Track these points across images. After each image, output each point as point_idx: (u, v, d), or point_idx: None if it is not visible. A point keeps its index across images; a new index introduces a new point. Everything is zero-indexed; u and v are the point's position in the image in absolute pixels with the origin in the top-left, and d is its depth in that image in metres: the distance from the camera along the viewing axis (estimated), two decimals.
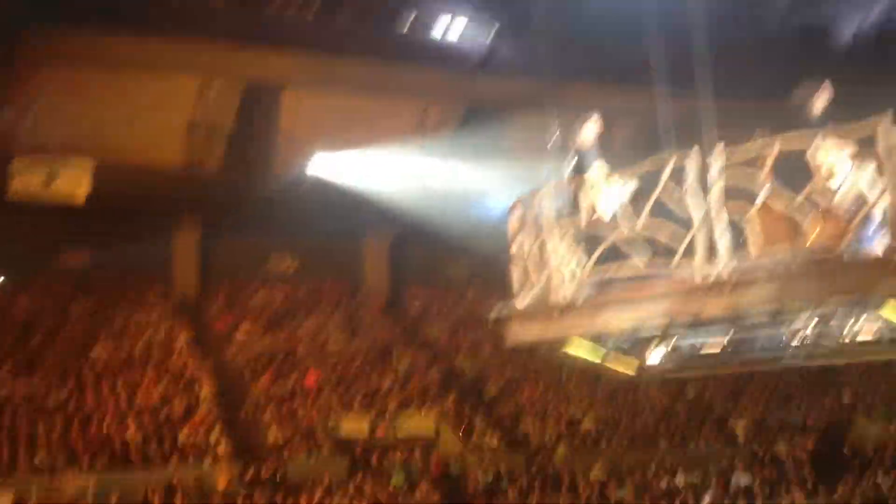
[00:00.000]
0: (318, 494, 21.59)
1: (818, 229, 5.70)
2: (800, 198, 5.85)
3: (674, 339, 7.14)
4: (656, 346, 7.30)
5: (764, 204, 5.87)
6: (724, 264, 5.72)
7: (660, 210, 6.05)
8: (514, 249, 6.59)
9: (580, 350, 6.95)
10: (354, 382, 27.50)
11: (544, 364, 26.13)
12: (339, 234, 30.99)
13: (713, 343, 7.54)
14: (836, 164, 5.96)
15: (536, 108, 25.18)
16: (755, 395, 29.26)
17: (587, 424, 27.36)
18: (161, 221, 29.62)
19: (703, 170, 5.78)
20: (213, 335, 29.21)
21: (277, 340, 28.91)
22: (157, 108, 26.17)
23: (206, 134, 27.59)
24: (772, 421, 27.85)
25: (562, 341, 6.47)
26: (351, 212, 28.36)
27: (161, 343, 27.30)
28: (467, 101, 29.58)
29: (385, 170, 27.86)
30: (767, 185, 5.85)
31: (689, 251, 5.80)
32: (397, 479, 23.44)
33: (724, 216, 5.83)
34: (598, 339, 6.71)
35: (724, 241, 5.77)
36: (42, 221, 27.30)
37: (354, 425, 25.21)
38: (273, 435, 23.96)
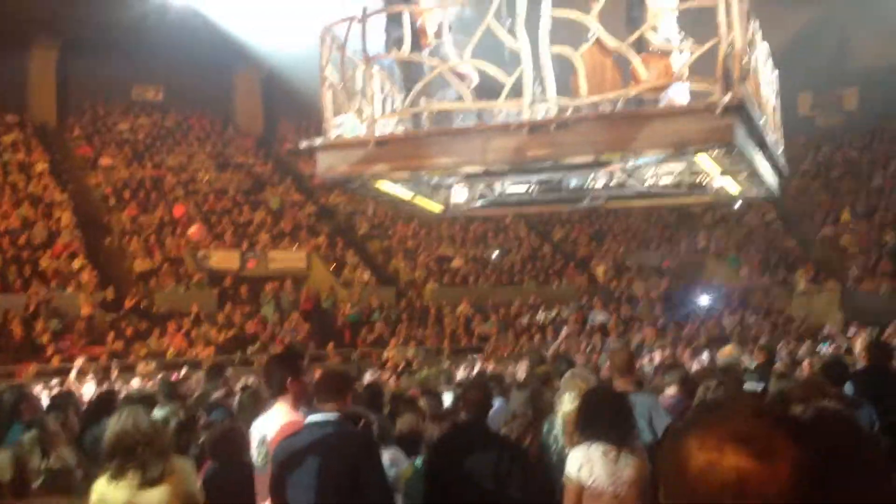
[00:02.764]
0: (186, 324, 21.64)
1: (646, 72, 5.73)
2: (630, 38, 5.82)
3: (483, 179, 7.14)
4: (465, 184, 7.30)
5: (593, 44, 5.84)
6: (550, 105, 5.71)
7: (490, 48, 5.91)
8: (325, 79, 6.32)
9: (391, 187, 6.88)
10: (225, 216, 27.15)
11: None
12: (209, 66, 29.71)
13: (520, 182, 7.61)
14: (667, 6, 5.94)
15: None
16: (617, 237, 30.42)
17: (457, 262, 28.02)
18: (14, 40, 27.58)
19: (534, 5, 5.64)
20: (75, 162, 28.06)
21: (143, 171, 28.02)
22: None
23: None
24: (630, 262, 29.13)
25: (374, 176, 6.36)
26: (222, 44, 27.06)
27: (18, 167, 26.06)
28: None
29: (257, 4, 26.49)
30: (596, 25, 5.79)
31: (515, 90, 5.74)
32: (267, 310, 23.68)
33: (551, 54, 5.73)
34: (412, 176, 6.64)
35: (550, 80, 5.73)
36: None
37: (224, 257, 25.08)
38: (140, 264, 23.60)
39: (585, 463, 4.81)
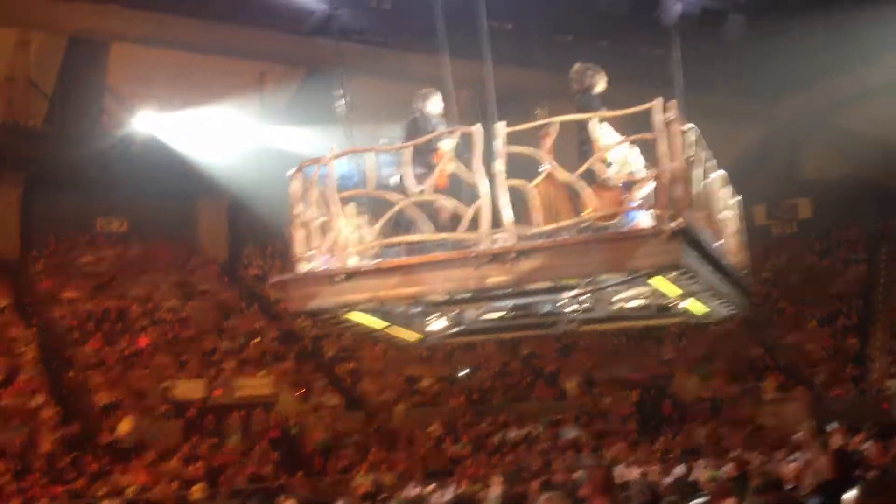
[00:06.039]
0: (150, 458, 21.15)
1: (595, 202, 6.02)
2: (579, 170, 6.13)
3: (457, 307, 7.34)
4: (439, 313, 7.50)
5: (546, 176, 6.14)
6: (507, 235, 5.95)
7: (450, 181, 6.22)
8: (296, 214, 6.59)
9: (362, 317, 7.04)
10: (190, 344, 26.93)
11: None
12: (173, 196, 30.07)
13: (495, 308, 7.83)
14: (613, 140, 6.28)
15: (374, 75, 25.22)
16: (584, 352, 30.48)
17: (426, 382, 27.86)
18: None
19: (490, 142, 5.97)
20: (37, 297, 27.82)
21: (107, 302, 27.86)
22: None
23: (24, 87, 26.12)
24: (599, 377, 29.13)
25: (344, 308, 6.55)
26: (186, 173, 27.52)
27: None
28: (306, 64, 29.22)
29: (222, 132, 27.15)
30: (548, 160, 6.10)
31: (474, 222, 5.99)
32: (234, 440, 23.26)
33: (507, 188, 6.03)
34: (381, 306, 6.83)
35: (507, 212, 6.00)
36: None
37: (189, 387, 24.75)
38: (103, 398, 23.21)
39: None
